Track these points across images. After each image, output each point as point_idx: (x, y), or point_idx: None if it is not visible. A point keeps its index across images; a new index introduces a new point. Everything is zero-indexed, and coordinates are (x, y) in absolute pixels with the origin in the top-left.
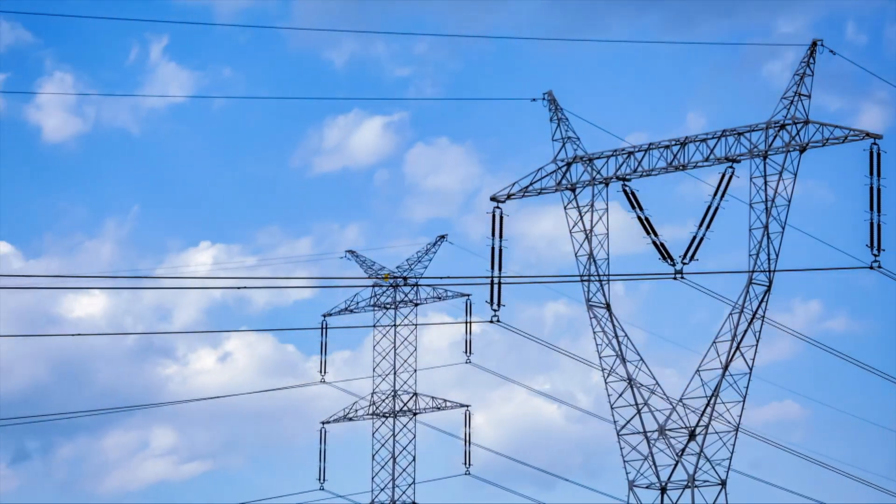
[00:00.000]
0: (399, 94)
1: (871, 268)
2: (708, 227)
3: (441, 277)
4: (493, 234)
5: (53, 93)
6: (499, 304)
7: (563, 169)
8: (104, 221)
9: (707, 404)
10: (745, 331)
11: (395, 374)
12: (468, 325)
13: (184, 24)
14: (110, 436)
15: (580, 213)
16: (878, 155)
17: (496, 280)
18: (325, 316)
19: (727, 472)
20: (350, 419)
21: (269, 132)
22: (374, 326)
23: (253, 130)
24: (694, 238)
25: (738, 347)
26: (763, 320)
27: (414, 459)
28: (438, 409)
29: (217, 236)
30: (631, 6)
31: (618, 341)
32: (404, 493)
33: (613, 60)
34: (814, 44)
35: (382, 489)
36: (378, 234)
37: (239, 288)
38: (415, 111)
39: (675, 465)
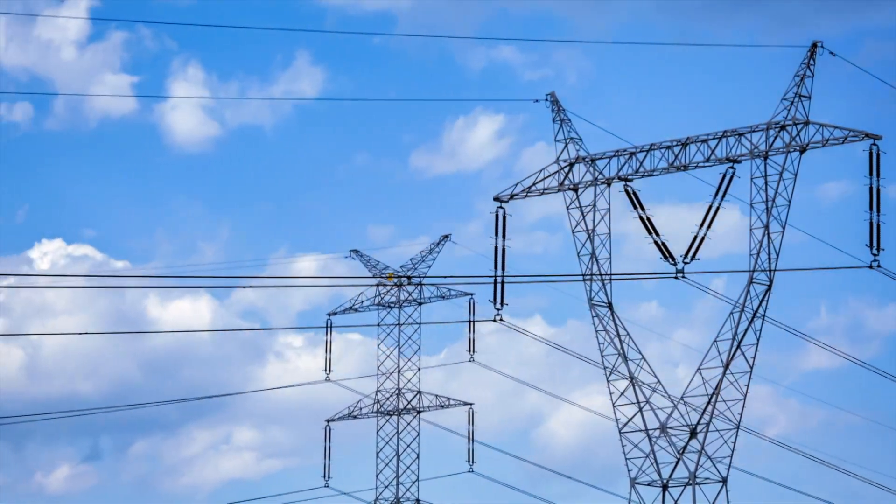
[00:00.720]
0: (529, 96)
1: (871, 267)
2: (709, 226)
3: (445, 277)
4: (497, 234)
5: (183, 96)
6: (502, 304)
7: (566, 169)
8: (222, 222)
9: (708, 402)
10: (746, 330)
11: (399, 372)
12: (471, 324)
13: (315, 27)
14: (186, 433)
15: (582, 213)
16: (878, 155)
17: (499, 279)
18: (329, 315)
19: (728, 469)
20: (354, 417)
21: (394, 133)
22: (378, 325)
23: (378, 131)
24: (695, 237)
25: (738, 346)
26: (763, 319)
27: (418, 457)
28: (442, 407)
29: (329, 236)
30: (729, 7)
31: (619, 340)
32: (408, 490)
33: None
34: (814, 45)
35: (386, 486)
36: (489, 231)
37: (244, 287)
38: (538, 111)
39: (677, 462)
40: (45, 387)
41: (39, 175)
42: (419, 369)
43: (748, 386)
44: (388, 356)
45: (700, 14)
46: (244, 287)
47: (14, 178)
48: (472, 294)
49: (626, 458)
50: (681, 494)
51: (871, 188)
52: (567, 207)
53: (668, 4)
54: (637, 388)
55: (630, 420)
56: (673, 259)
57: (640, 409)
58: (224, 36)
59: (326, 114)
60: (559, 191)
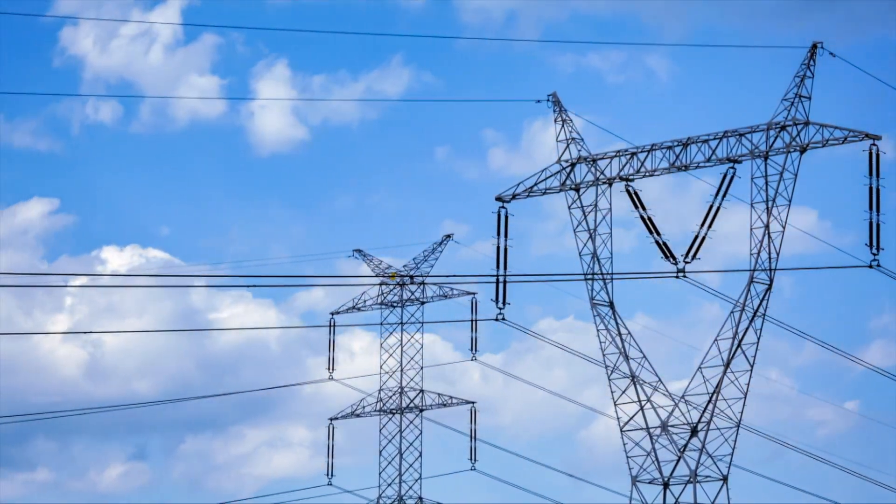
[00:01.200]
0: (611, 99)
1: (871, 266)
2: (710, 226)
3: (447, 276)
4: (499, 234)
5: (269, 98)
6: (504, 303)
7: (568, 169)
8: (299, 222)
9: (709, 401)
10: (747, 329)
11: (401, 371)
12: (474, 323)
13: (402, 30)
14: (237, 432)
15: (584, 213)
16: (878, 155)
17: (501, 279)
18: (332, 314)
19: (728, 467)
20: (357, 415)
21: (475, 132)
22: (381, 324)
23: (460, 130)
24: (696, 237)
25: (739, 345)
26: (764, 318)
27: (420, 455)
28: (444, 405)
29: (407, 234)
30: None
31: (621, 339)
32: (411, 488)
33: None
34: (814, 46)
35: (389, 484)
36: (558, 230)
37: (248, 286)
38: (616, 114)
39: (678, 460)
40: (104, 386)
41: (123, 176)
42: (422, 368)
43: (748, 384)
44: (390, 355)
45: (769, 14)
46: (248, 286)
47: (98, 179)
48: (474, 293)
49: (627, 457)
50: (682, 492)
51: (870, 188)
52: (569, 207)
53: (733, 6)
54: (638, 386)
55: (631, 419)
56: (674, 259)
57: (642, 408)
58: (310, 38)
59: (412, 112)
60: (561, 191)
